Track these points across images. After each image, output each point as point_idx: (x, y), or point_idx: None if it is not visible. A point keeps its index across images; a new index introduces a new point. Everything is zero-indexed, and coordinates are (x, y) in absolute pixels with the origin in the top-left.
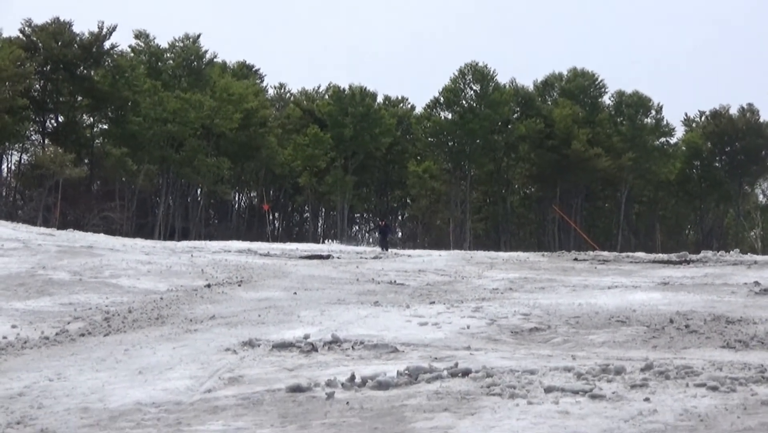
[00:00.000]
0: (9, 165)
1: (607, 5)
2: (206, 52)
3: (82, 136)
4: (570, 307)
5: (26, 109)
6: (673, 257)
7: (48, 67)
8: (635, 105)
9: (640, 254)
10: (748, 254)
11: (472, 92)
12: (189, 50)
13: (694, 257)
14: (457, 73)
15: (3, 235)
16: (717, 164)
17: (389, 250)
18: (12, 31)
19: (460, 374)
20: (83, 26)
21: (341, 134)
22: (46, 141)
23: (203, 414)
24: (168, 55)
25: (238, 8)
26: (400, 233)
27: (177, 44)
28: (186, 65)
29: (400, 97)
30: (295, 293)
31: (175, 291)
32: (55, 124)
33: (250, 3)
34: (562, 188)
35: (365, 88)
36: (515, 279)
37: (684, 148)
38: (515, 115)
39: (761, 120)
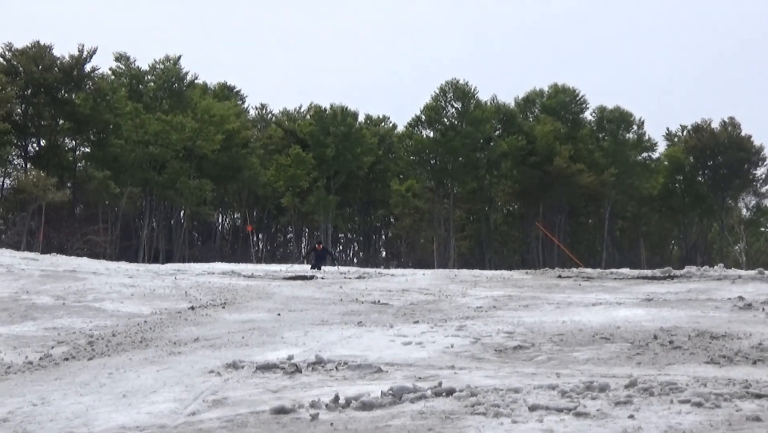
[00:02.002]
0: None
1: (586, 21)
2: (187, 73)
3: (64, 159)
4: (554, 324)
5: (8, 134)
6: (657, 272)
7: (29, 91)
8: (617, 120)
9: (624, 270)
10: (732, 268)
11: (453, 110)
12: (170, 72)
13: (678, 272)
14: (438, 91)
15: None
16: (700, 179)
17: (321, 269)
18: None
19: (444, 394)
20: (63, 49)
21: (323, 154)
22: (28, 165)
23: None
24: (149, 77)
25: (218, 30)
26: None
27: (158, 66)
28: (167, 87)
29: (381, 116)
30: (279, 314)
31: (158, 314)
32: (37, 148)
33: (230, 24)
34: (545, 205)
35: (346, 107)
36: (499, 297)
37: (666, 162)
38: (497, 133)
39: (743, 134)
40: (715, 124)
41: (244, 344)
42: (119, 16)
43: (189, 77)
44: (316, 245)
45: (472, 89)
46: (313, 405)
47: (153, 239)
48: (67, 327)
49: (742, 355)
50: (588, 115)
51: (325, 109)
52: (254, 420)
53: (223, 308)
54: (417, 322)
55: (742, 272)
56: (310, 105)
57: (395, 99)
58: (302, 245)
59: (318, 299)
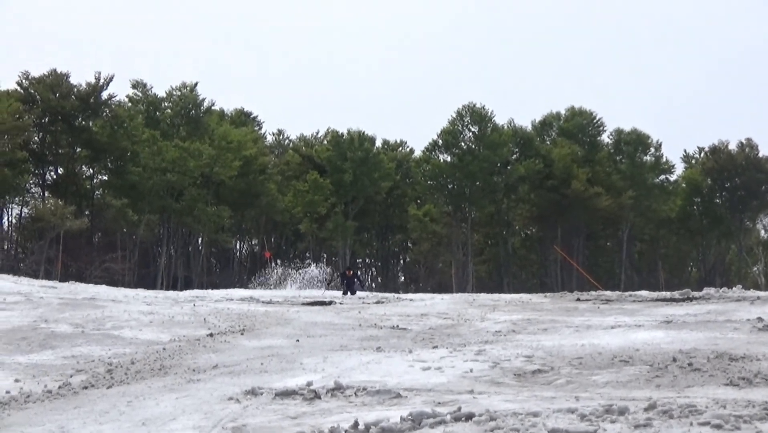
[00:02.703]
0: (10, 218)
1: (603, 44)
2: (204, 100)
3: (82, 187)
4: (573, 348)
5: (26, 162)
6: (676, 294)
7: (46, 119)
8: (634, 143)
9: (643, 293)
10: (751, 289)
11: (470, 134)
12: (187, 99)
13: (696, 294)
14: (455, 115)
15: (5, 288)
16: (717, 200)
17: (355, 294)
18: (10, 83)
19: (463, 418)
20: (80, 77)
21: (341, 179)
22: (46, 193)
23: None
24: (166, 104)
25: (234, 56)
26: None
27: (174, 93)
28: (184, 114)
29: (398, 141)
30: (298, 340)
31: (177, 341)
32: (54, 177)
33: (247, 50)
34: (563, 228)
35: (364, 132)
36: (518, 321)
37: (684, 185)
38: (514, 156)
39: (760, 155)
40: (733, 146)
41: (263, 370)
42: (136, 43)
43: (206, 104)
44: (347, 271)
45: (489, 113)
46: (332, 431)
47: (171, 266)
48: (86, 355)
49: (761, 376)
50: (605, 137)
51: (343, 135)
52: None
53: (242, 334)
54: (436, 347)
55: (761, 293)
56: (328, 130)
57: (412, 123)
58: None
59: (337, 324)
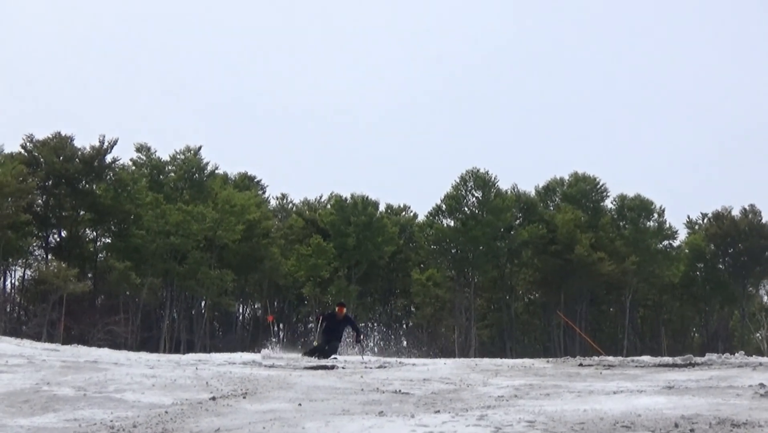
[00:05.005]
0: (13, 281)
1: (607, 110)
2: (207, 163)
3: (85, 250)
4: (575, 413)
5: (29, 225)
6: (678, 360)
7: (50, 182)
8: (637, 208)
9: (646, 358)
10: (754, 356)
11: (474, 199)
12: (190, 162)
13: (698, 359)
14: (458, 180)
15: (7, 351)
16: (721, 266)
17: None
18: (14, 146)
19: None
20: (84, 140)
21: (344, 243)
22: (49, 256)
23: None
24: (169, 167)
25: (237, 120)
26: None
27: (178, 156)
28: (187, 177)
29: (402, 206)
30: (300, 404)
31: (179, 404)
32: (58, 239)
33: (250, 115)
34: (567, 293)
35: (367, 197)
36: (520, 386)
37: (687, 250)
38: (517, 221)
39: (763, 221)
40: (736, 212)
41: None
42: (140, 107)
43: (209, 167)
44: (337, 309)
45: (493, 178)
46: None
47: (174, 329)
48: (88, 418)
49: None
50: (608, 203)
51: (346, 199)
52: None
53: (244, 398)
54: (438, 411)
55: (763, 359)
56: (331, 194)
57: (416, 188)
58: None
59: (339, 388)
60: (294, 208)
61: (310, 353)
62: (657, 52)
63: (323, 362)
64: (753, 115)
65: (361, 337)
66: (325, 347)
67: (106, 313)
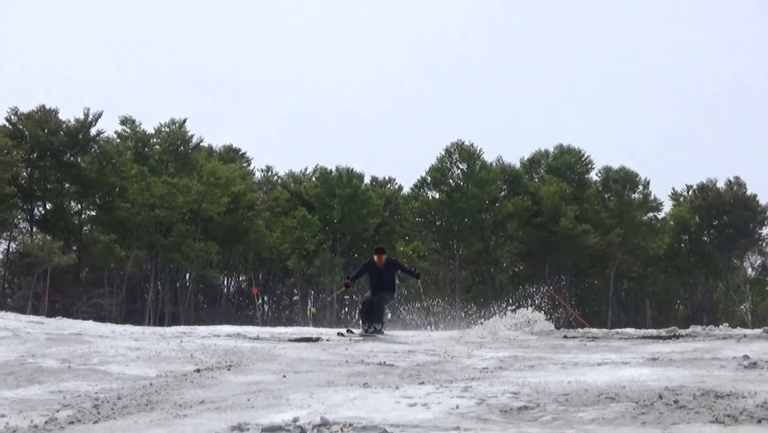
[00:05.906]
0: None
1: (591, 81)
2: (192, 136)
3: (70, 223)
4: (559, 384)
5: (14, 198)
6: (663, 332)
7: (35, 155)
8: (622, 181)
9: (630, 330)
10: (738, 328)
11: (458, 171)
12: (175, 135)
13: (683, 331)
14: (443, 153)
15: None
16: (705, 238)
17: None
18: None
19: None
20: (69, 113)
21: (329, 216)
22: (34, 229)
23: None
24: (154, 140)
25: (223, 92)
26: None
27: (163, 129)
28: (172, 150)
29: (387, 178)
30: (284, 376)
31: (164, 377)
32: (42, 212)
33: (235, 87)
34: (551, 266)
35: (352, 169)
36: (505, 358)
37: (672, 222)
38: (502, 194)
39: (748, 193)
40: (721, 184)
41: (250, 406)
42: (124, 80)
43: (194, 140)
44: (375, 257)
45: (478, 150)
46: None
47: (159, 301)
48: (72, 391)
49: (747, 414)
50: (593, 175)
51: (331, 171)
52: None
53: (229, 370)
54: (422, 383)
55: (748, 331)
56: (316, 167)
57: (401, 160)
58: (308, 308)
59: (323, 360)
60: (279, 181)
61: (362, 314)
62: (641, 23)
63: (308, 335)
64: (739, 87)
65: (419, 274)
66: (371, 304)
67: (91, 286)
